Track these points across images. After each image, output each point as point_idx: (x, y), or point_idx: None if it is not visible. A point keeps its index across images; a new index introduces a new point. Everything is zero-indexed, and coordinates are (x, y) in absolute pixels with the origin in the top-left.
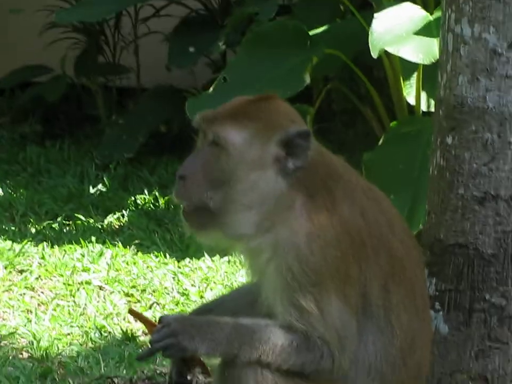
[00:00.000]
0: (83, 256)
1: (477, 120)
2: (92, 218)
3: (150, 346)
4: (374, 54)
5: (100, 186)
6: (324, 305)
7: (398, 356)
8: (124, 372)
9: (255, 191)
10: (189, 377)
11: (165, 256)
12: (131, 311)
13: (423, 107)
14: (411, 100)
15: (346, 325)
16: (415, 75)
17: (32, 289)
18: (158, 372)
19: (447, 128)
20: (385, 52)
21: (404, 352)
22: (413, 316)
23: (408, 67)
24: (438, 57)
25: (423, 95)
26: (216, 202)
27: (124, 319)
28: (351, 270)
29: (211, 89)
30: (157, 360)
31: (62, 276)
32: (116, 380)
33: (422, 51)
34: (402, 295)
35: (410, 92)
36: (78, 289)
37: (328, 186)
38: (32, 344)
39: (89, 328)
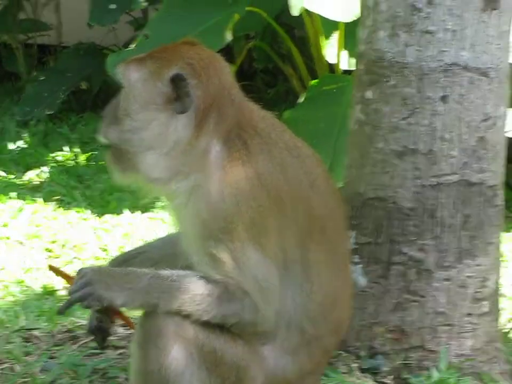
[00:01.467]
0: (3, 211)
1: (396, 74)
2: (12, 174)
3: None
4: (294, 12)
5: (20, 142)
6: (238, 254)
7: (318, 312)
8: (44, 324)
9: (150, 131)
10: (107, 327)
11: (85, 212)
12: (51, 267)
13: (344, 66)
14: (332, 59)
15: (267, 276)
16: (336, 34)
17: None
18: (78, 324)
19: (367, 83)
20: (306, 10)
21: (324, 308)
22: (334, 274)
23: (328, 26)
24: (358, 15)
25: (344, 54)
26: (114, 138)
27: (44, 273)
28: (268, 223)
29: (132, 46)
30: (77, 313)
31: None
32: (35, 332)
33: (342, 9)
34: (322, 253)
35: (331, 50)
36: None
37: (243, 138)
38: None
39: (9, 282)
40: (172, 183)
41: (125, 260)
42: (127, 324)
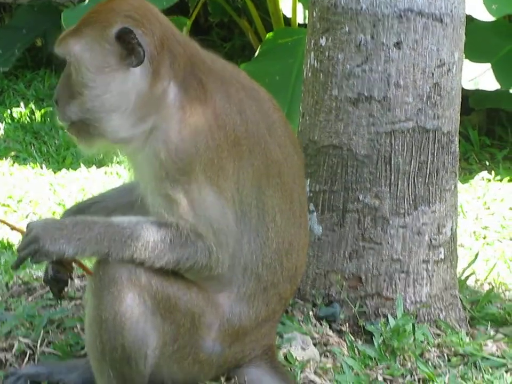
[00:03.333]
0: None
1: (350, 21)
2: None
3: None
4: None
5: None
6: (194, 195)
7: (274, 258)
8: (0, 277)
9: (110, 93)
10: (64, 277)
11: (42, 168)
12: (2, 221)
13: (300, 19)
14: (287, 12)
15: (222, 217)
16: None
17: None
18: (34, 277)
19: (321, 30)
20: None
21: (280, 255)
22: (290, 220)
23: None
24: None
25: (300, 7)
26: (77, 113)
27: (0, 228)
28: (225, 164)
29: (86, 1)
30: (33, 266)
31: None
32: None
33: None
34: (278, 199)
35: (286, 3)
36: None
37: (198, 77)
38: None
39: None
40: (139, 136)
41: (79, 210)
42: (85, 271)
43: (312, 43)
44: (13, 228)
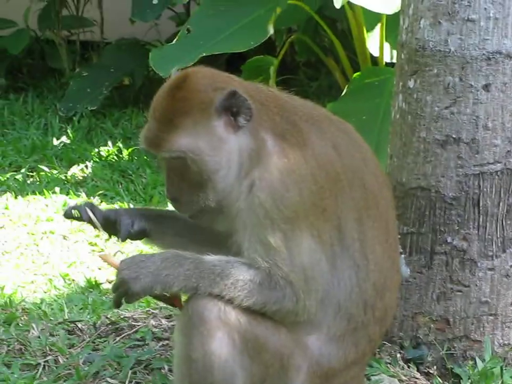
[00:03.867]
0: (47, 206)
1: (438, 63)
2: (56, 170)
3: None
4: (337, 4)
5: (63, 138)
6: (294, 244)
7: (370, 295)
8: (88, 317)
9: (232, 166)
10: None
11: (129, 206)
12: (101, 256)
13: (387, 58)
14: (374, 51)
15: (316, 264)
16: (378, 26)
17: None
18: (121, 316)
19: (409, 72)
20: (349, 3)
21: (376, 291)
22: (386, 253)
23: (371, 18)
24: (400, 7)
25: (386, 46)
26: (211, 199)
27: (88, 267)
28: (327, 204)
29: (174, 40)
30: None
31: (25, 225)
32: (79, 325)
33: (385, 1)
34: (376, 230)
35: (373, 43)
36: (42, 239)
37: (294, 122)
38: None
39: (53, 276)
40: (239, 193)
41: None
42: (174, 304)
43: (400, 85)
44: (111, 264)
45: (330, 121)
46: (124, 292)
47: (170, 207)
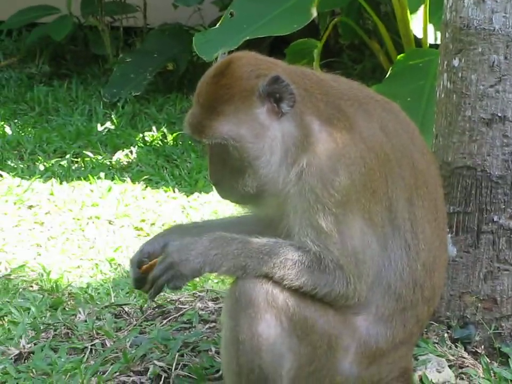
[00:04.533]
0: (92, 191)
1: (483, 42)
2: (100, 155)
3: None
4: None
5: (108, 124)
6: (345, 228)
7: (420, 275)
8: (134, 300)
9: (275, 152)
10: None
11: (174, 191)
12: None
13: (431, 39)
14: (418, 33)
15: (367, 247)
16: (421, 8)
17: (42, 224)
18: (168, 299)
19: (454, 51)
20: None
21: (425, 270)
22: (435, 232)
23: (414, 0)
24: None
25: (430, 28)
26: (251, 185)
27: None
28: (378, 185)
29: (218, 25)
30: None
31: (71, 211)
32: (126, 308)
33: None
34: (426, 209)
35: (417, 24)
36: (87, 224)
37: (337, 106)
38: (42, 276)
39: (99, 260)
40: (288, 180)
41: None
42: None
43: (445, 64)
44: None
45: (377, 102)
46: (171, 276)
47: (215, 192)
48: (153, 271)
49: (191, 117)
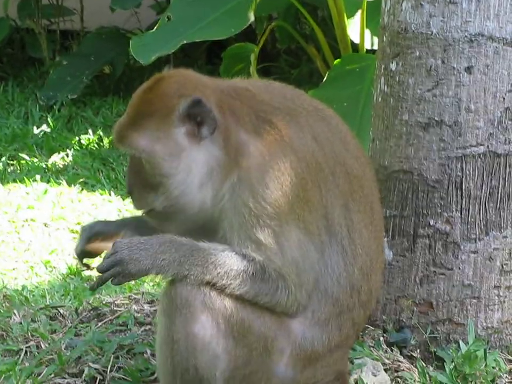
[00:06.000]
0: (28, 194)
1: (420, 46)
2: (36, 158)
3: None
4: None
5: (44, 127)
6: (283, 239)
7: (357, 279)
8: (69, 303)
9: (193, 174)
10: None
11: (110, 194)
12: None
13: (367, 45)
14: (355, 38)
15: (306, 257)
16: (358, 13)
17: None
18: (103, 302)
19: (391, 55)
20: None
21: (363, 274)
22: (372, 235)
23: (351, 5)
24: None
25: (367, 33)
26: (163, 203)
27: (69, 254)
28: (311, 195)
29: (155, 28)
30: (102, 291)
31: (6, 213)
32: (61, 310)
33: None
34: (362, 213)
35: (354, 29)
36: (23, 226)
37: (270, 121)
38: None
39: (35, 263)
40: (219, 197)
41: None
42: None
43: (382, 68)
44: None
45: (308, 113)
46: (118, 272)
47: None
48: (100, 262)
49: (117, 124)
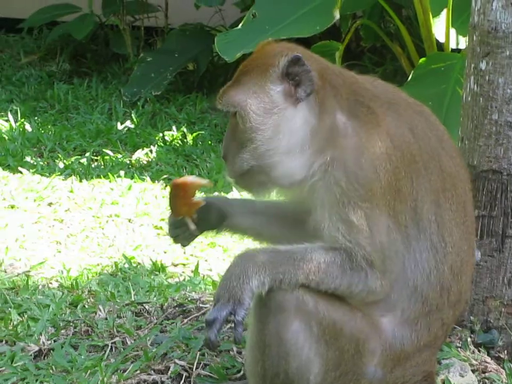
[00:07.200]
0: (112, 190)
1: (511, 45)
2: (120, 154)
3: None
4: None
5: (127, 123)
6: (374, 223)
7: (447, 278)
8: (154, 299)
9: (283, 133)
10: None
11: None
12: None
13: (453, 44)
14: (440, 37)
15: (392, 244)
16: (444, 12)
17: (61, 221)
18: (189, 298)
19: (481, 54)
20: None
21: (453, 274)
22: (464, 235)
23: (437, 3)
24: None
25: (453, 32)
26: (248, 160)
27: (153, 250)
28: (403, 184)
29: (240, 25)
30: (188, 288)
31: (91, 209)
32: (146, 306)
33: None
34: (454, 212)
35: (439, 28)
36: (107, 222)
37: (365, 104)
38: (62, 273)
39: (119, 259)
40: (312, 176)
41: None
42: None
43: (472, 67)
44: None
45: (407, 104)
46: (229, 312)
47: (234, 191)
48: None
49: (222, 88)
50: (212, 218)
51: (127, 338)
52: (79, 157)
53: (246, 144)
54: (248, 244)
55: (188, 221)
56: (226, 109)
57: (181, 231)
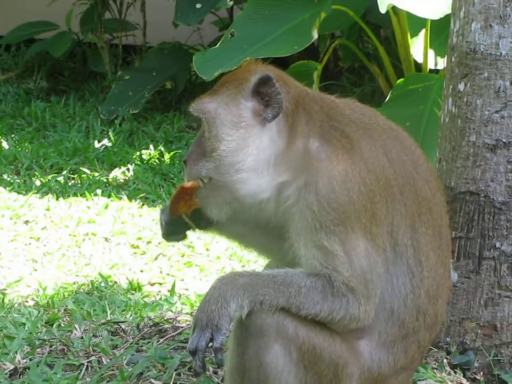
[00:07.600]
0: (89, 208)
1: (489, 67)
2: (97, 172)
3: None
4: (382, 9)
5: (105, 141)
6: (350, 247)
7: (423, 302)
8: (131, 318)
9: (247, 149)
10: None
11: None
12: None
13: (431, 64)
14: (418, 58)
15: (372, 268)
16: (422, 32)
17: (38, 239)
18: (165, 318)
19: (460, 75)
20: (393, 9)
21: (429, 297)
22: (439, 258)
23: (415, 24)
24: (446, 12)
25: (431, 53)
26: (209, 169)
27: (130, 269)
28: (378, 208)
29: (218, 44)
30: (164, 307)
31: (67, 227)
32: (122, 325)
33: (430, 6)
34: (430, 236)
35: (417, 49)
36: (84, 240)
37: (339, 128)
38: (38, 291)
39: (95, 277)
40: (279, 194)
41: None
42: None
43: (450, 88)
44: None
45: (383, 129)
46: (208, 339)
47: None
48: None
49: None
50: (203, 219)
51: (103, 358)
52: (56, 175)
53: (209, 152)
54: (229, 262)
55: (187, 220)
56: (196, 114)
57: (174, 229)
